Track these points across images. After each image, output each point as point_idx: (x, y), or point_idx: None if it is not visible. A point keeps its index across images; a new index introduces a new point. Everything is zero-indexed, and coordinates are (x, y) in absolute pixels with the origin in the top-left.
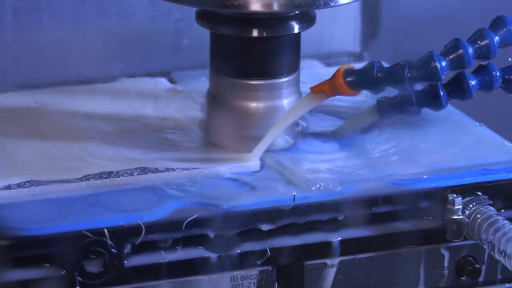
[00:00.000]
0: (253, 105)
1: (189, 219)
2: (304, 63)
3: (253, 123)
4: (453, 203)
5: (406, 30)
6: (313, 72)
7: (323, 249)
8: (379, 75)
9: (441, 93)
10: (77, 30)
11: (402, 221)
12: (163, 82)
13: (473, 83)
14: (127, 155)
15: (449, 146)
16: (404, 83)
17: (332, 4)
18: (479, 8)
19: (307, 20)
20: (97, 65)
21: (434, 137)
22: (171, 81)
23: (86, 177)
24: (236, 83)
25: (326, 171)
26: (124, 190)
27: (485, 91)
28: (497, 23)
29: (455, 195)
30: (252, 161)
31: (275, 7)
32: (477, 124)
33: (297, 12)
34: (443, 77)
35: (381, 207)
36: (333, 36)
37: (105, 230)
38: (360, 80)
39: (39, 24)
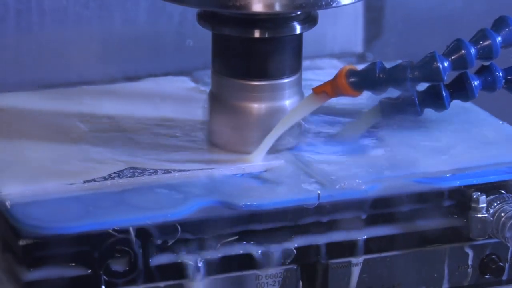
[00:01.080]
0: (255, 106)
1: (214, 218)
2: (323, 63)
3: (255, 124)
4: (477, 201)
5: (409, 31)
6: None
7: (348, 248)
8: (381, 75)
9: (444, 94)
10: (80, 32)
11: (426, 220)
12: (185, 81)
13: (475, 83)
14: (139, 156)
15: (472, 144)
16: (406, 84)
17: (334, 4)
18: (482, 8)
19: (309, 20)
20: (99, 67)
21: (457, 134)
22: (195, 81)
23: (111, 176)
24: (238, 84)
25: (349, 169)
26: (149, 188)
27: (488, 91)
28: (500, 23)
29: (479, 193)
30: (254, 162)
31: (277, 7)
32: (500, 122)
33: (299, 12)
34: (445, 78)
35: (405, 205)
36: (336, 36)
37: (131, 228)
38: (362, 81)
39: (41, 26)
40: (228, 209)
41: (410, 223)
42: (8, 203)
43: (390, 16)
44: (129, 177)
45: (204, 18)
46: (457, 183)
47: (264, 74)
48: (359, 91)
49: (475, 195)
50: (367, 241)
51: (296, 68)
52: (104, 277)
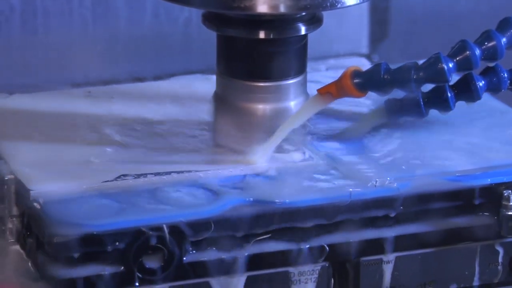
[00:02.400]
0: (260, 107)
1: (247, 216)
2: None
3: (260, 124)
4: (508, 199)
5: (414, 32)
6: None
7: (379, 245)
8: (386, 76)
9: (449, 95)
10: (85, 33)
11: (457, 217)
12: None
13: (481, 84)
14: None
15: (502, 142)
16: (411, 85)
17: (339, 5)
18: (487, 9)
19: (314, 21)
20: (105, 68)
21: (486, 132)
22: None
23: (143, 174)
24: (243, 85)
25: (380, 167)
26: (181, 186)
27: (493, 92)
28: (504, 25)
29: (510, 191)
30: (258, 163)
31: (282, 8)
32: None
33: (304, 14)
34: (450, 79)
35: (436, 203)
36: (341, 37)
37: (164, 226)
38: (367, 82)
39: (46, 28)
40: (261, 207)
41: (441, 220)
42: (41, 201)
43: (395, 17)
44: (160, 175)
45: (209, 19)
46: (488, 181)
47: (269, 75)
48: (363, 92)
49: (506, 193)
50: (398, 238)
51: (301, 69)
52: (138, 274)
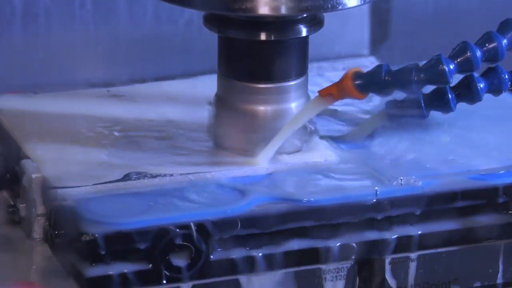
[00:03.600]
0: (261, 108)
1: (273, 214)
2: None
3: (261, 126)
4: None
5: (415, 33)
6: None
7: (404, 244)
8: (387, 78)
9: (450, 96)
10: (86, 35)
11: (481, 216)
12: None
13: (481, 85)
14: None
15: None
16: (412, 87)
17: (340, 7)
18: (488, 10)
19: (315, 23)
20: (106, 69)
21: (508, 131)
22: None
23: (170, 173)
24: (244, 86)
25: (404, 165)
26: (207, 185)
27: (494, 94)
28: (505, 26)
29: None
30: (260, 165)
31: (283, 10)
32: None
33: (305, 15)
34: (451, 80)
35: (460, 201)
36: (343, 39)
37: (192, 224)
38: (368, 83)
39: (48, 29)
40: (288, 205)
41: (465, 219)
42: (69, 200)
43: (396, 18)
44: (188, 173)
45: (211, 21)
46: (511, 179)
47: (270, 76)
48: (365, 93)
49: None
50: (423, 237)
51: (302, 70)
52: (165, 272)
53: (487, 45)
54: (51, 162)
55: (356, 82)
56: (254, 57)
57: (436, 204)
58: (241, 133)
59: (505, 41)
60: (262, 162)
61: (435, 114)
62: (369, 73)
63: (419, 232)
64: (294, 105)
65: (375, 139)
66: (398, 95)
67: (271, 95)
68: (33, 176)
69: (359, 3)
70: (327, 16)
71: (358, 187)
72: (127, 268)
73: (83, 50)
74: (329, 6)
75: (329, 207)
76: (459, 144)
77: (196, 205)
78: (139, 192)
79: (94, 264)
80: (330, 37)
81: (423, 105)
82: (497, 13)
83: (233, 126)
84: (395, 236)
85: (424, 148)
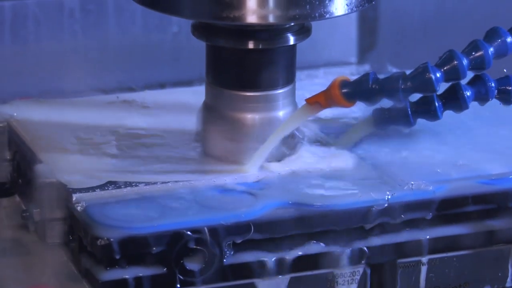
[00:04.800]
0: (249, 116)
1: (286, 218)
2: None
3: (249, 134)
4: None
5: (403, 41)
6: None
7: (415, 248)
8: (374, 86)
9: (437, 104)
10: (75, 43)
11: (491, 220)
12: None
13: (468, 93)
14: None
15: None
16: (398, 95)
17: (328, 16)
18: (474, 19)
19: (303, 31)
20: (95, 78)
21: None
22: None
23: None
24: (232, 94)
25: (415, 170)
26: (220, 190)
27: (481, 102)
28: (492, 34)
29: None
30: (249, 172)
31: (271, 19)
32: None
33: (292, 24)
34: (437, 89)
35: (471, 206)
36: (331, 47)
37: (205, 228)
38: (355, 92)
39: (37, 37)
40: (301, 210)
41: (476, 223)
42: (84, 204)
43: (384, 26)
44: (199, 180)
45: (199, 30)
46: None
47: (258, 85)
48: (352, 102)
49: None
50: (433, 241)
51: (289, 78)
52: (179, 276)
53: (473, 53)
54: (64, 167)
55: (343, 91)
56: (242, 65)
57: (447, 208)
58: (229, 141)
59: (491, 49)
60: (251, 170)
61: (443, 119)
62: (356, 81)
63: (430, 236)
64: (282, 113)
65: (383, 143)
66: (385, 103)
67: (259, 103)
68: (47, 181)
69: (346, 12)
70: (316, 24)
71: (370, 192)
72: (141, 272)
73: (72, 59)
74: (317, 15)
75: (342, 212)
76: (468, 149)
77: (210, 209)
78: (152, 197)
79: (109, 268)
80: (319, 45)
81: (409, 113)
82: (484, 21)
83: (221, 134)
84: (406, 240)
85: (434, 152)
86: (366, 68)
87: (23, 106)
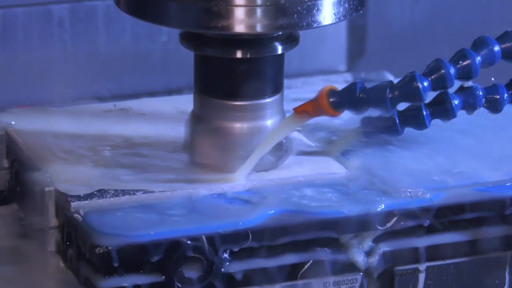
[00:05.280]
0: (237, 125)
1: (284, 226)
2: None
3: (237, 143)
4: None
5: (393, 49)
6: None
7: (413, 255)
8: (361, 95)
9: (424, 113)
10: (64, 51)
11: (488, 227)
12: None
13: (456, 102)
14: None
15: None
16: (386, 104)
17: (315, 25)
18: (463, 27)
19: (291, 40)
20: (84, 85)
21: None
22: None
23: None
24: (220, 103)
25: (410, 178)
26: (218, 198)
27: (468, 110)
28: (479, 43)
29: None
30: (237, 182)
31: (259, 28)
32: None
33: (280, 33)
34: (425, 98)
35: (468, 213)
36: (320, 55)
37: (203, 236)
38: (343, 101)
39: (26, 46)
40: (298, 217)
41: (473, 230)
42: (82, 212)
43: (373, 35)
44: (195, 188)
45: (187, 39)
46: None
47: (246, 94)
48: (339, 111)
49: None
50: (431, 248)
51: (278, 87)
52: (178, 284)
53: (461, 62)
54: (62, 175)
55: (331, 100)
56: (230, 74)
57: (444, 216)
58: (218, 150)
59: (479, 58)
60: (239, 179)
61: (439, 126)
62: (343, 90)
63: (428, 244)
64: (269, 122)
65: (380, 151)
66: (374, 111)
67: (247, 112)
68: (46, 189)
69: (334, 21)
70: (305, 33)
71: (366, 199)
72: (140, 280)
73: (61, 67)
74: (304, 24)
75: (339, 219)
76: (465, 156)
77: (208, 217)
78: (150, 205)
79: (107, 276)
80: (308, 53)
81: (397, 121)
82: (473, 30)
83: (209, 143)
84: (404, 248)
85: (431, 160)
86: (356, 76)
87: (21, 114)
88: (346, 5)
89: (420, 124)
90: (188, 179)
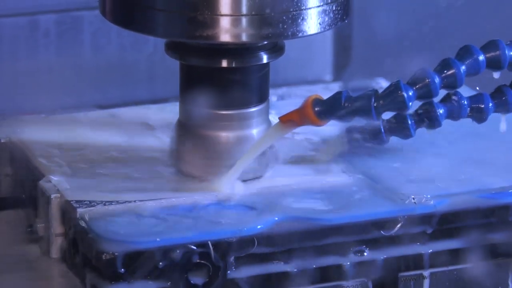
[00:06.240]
0: (223, 134)
1: (289, 233)
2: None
3: (223, 152)
4: None
5: (379, 58)
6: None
7: (416, 261)
8: (346, 104)
9: (409, 122)
10: (50, 61)
11: (492, 233)
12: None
13: (441, 111)
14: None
15: None
16: (371, 113)
17: (300, 34)
18: (450, 36)
19: (276, 50)
20: (69, 96)
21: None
22: None
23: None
24: (206, 113)
25: (414, 184)
26: (223, 204)
27: (453, 119)
28: (464, 53)
29: None
30: (222, 191)
31: (244, 38)
32: None
33: (265, 42)
34: (409, 107)
35: (471, 219)
36: (306, 65)
37: (209, 242)
38: (328, 110)
39: (12, 55)
40: (303, 223)
41: (476, 237)
42: (88, 219)
43: (359, 44)
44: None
45: (172, 48)
46: None
47: (231, 103)
48: (325, 120)
49: None
50: (435, 254)
51: (263, 97)
52: None
53: (445, 71)
54: (68, 182)
55: (316, 109)
56: (215, 84)
57: (448, 222)
58: (204, 159)
59: (463, 67)
60: (224, 188)
61: (443, 132)
62: (329, 99)
63: (431, 250)
64: (255, 131)
65: (383, 157)
66: (359, 121)
67: (232, 121)
68: (52, 196)
69: (319, 31)
70: (291, 42)
71: (371, 206)
72: (146, 286)
73: (46, 76)
74: (289, 33)
75: (343, 226)
76: (469, 163)
77: (213, 224)
78: (156, 212)
79: (113, 283)
80: (294, 62)
81: (382, 130)
82: (460, 38)
83: (194, 152)
84: (408, 254)
85: (434, 167)
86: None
87: (26, 122)
88: (332, 14)
89: (405, 133)
90: (173, 188)
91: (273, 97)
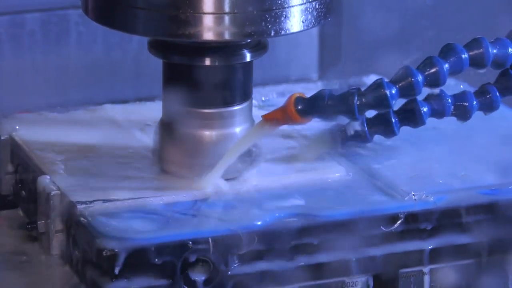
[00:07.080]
0: (206, 133)
1: (290, 229)
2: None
3: (206, 150)
4: None
5: (366, 57)
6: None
7: (417, 257)
8: (329, 102)
9: (393, 120)
10: (36, 60)
11: (492, 229)
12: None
13: (425, 109)
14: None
15: None
16: (354, 111)
17: (283, 32)
18: (434, 34)
19: (259, 48)
20: (55, 95)
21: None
22: None
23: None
24: (189, 111)
25: (413, 181)
26: (222, 200)
27: (437, 117)
28: (447, 51)
29: None
30: (205, 189)
31: (227, 36)
32: None
33: (248, 40)
34: (392, 105)
35: (471, 216)
36: (292, 63)
37: (210, 239)
38: (311, 108)
39: None
40: (304, 220)
41: (476, 233)
42: (88, 216)
43: (346, 43)
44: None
45: (155, 47)
46: None
47: (214, 102)
48: (307, 118)
49: None
50: (435, 251)
51: (246, 95)
52: (185, 286)
53: (428, 69)
54: (68, 179)
55: (298, 107)
56: (198, 82)
57: (448, 218)
58: (187, 158)
59: (446, 65)
60: (207, 186)
61: (443, 129)
62: (311, 98)
63: (432, 247)
64: (238, 129)
65: (383, 154)
66: (342, 119)
67: (215, 120)
68: (52, 193)
69: (302, 29)
70: (276, 40)
71: (371, 202)
72: (147, 283)
73: (32, 76)
74: (272, 31)
75: (343, 222)
76: (469, 159)
77: (214, 220)
78: (156, 209)
79: (114, 280)
80: (279, 61)
81: (366, 129)
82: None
83: (178, 150)
84: (408, 250)
85: (435, 163)
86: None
87: (26, 119)
88: (315, 12)
89: (389, 131)
90: (156, 187)
91: (274, 94)
